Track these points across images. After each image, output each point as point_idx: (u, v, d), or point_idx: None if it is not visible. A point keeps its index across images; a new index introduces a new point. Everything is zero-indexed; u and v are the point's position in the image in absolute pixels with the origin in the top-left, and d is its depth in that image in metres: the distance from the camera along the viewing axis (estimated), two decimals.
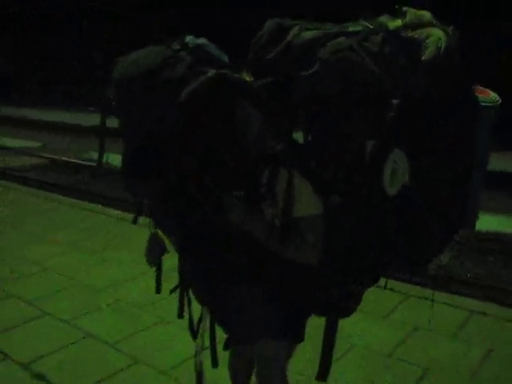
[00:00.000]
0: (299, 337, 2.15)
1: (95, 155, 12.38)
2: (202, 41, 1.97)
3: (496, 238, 6.92)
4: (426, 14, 1.96)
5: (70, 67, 22.96)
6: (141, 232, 6.07)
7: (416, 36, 1.86)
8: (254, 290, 2.03)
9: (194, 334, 2.35)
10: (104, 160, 12.34)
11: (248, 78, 1.92)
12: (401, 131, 1.83)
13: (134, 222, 2.33)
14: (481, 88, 2.05)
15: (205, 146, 1.84)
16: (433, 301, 3.55)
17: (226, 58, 2.00)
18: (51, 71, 23.28)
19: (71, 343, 3.52)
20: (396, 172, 1.84)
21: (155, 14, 19.87)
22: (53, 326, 3.76)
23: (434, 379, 3.07)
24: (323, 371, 2.07)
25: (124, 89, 1.91)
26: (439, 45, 1.83)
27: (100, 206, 7.13)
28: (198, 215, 1.95)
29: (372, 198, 1.85)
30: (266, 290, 2.02)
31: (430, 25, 1.91)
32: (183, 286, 2.26)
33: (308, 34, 1.89)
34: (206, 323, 2.29)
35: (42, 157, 12.25)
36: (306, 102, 1.87)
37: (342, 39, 1.85)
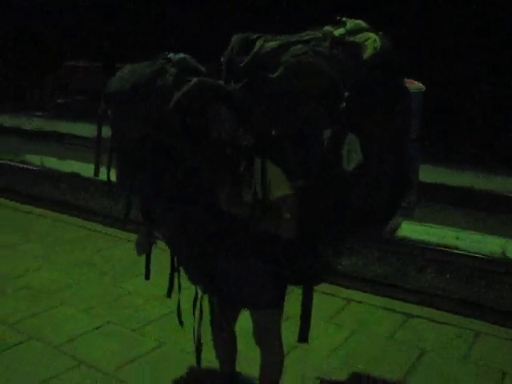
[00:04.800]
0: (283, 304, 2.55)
1: (32, 158, 12.54)
2: (182, 55, 2.40)
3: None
4: (362, 23, 2.44)
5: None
6: (63, 230, 6.18)
7: (357, 40, 2.35)
8: (252, 263, 2.41)
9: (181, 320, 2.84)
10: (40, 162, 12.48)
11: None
12: (352, 119, 2.28)
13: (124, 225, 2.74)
14: (409, 80, 2.63)
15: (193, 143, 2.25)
16: None
17: (202, 68, 2.43)
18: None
19: None
20: (351, 152, 2.29)
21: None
22: None
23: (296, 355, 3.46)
24: (304, 334, 2.53)
25: (127, 96, 2.33)
26: (375, 45, 2.32)
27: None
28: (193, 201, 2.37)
29: (334, 175, 2.30)
30: (263, 264, 2.40)
31: (366, 30, 2.40)
32: (174, 268, 2.72)
33: (272, 44, 2.33)
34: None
35: None
36: (275, 101, 2.29)
37: (299, 46, 2.29)
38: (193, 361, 2.91)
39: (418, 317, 4.06)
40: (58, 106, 21.79)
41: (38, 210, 6.94)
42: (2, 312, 3.94)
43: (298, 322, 2.55)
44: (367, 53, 2.31)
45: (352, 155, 2.30)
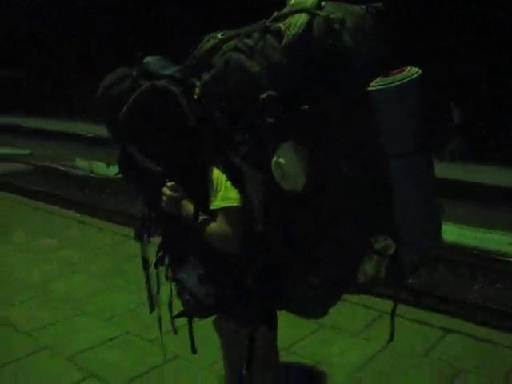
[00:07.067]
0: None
1: (81, 163, 12.64)
2: (147, 59, 2.20)
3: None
4: (309, 1, 1.86)
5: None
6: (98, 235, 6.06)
7: (282, 26, 1.85)
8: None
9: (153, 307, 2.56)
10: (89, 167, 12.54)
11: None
12: (290, 123, 1.86)
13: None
14: (399, 69, 1.79)
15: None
16: None
17: (171, 70, 2.14)
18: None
19: None
20: (282, 166, 1.86)
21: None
22: None
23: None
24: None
25: (97, 103, 2.23)
26: (288, 32, 1.80)
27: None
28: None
29: (271, 190, 1.94)
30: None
31: (298, 11, 1.83)
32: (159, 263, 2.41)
33: (207, 44, 2.07)
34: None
35: (28, 164, 12.51)
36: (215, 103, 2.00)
37: (230, 42, 1.96)
38: (208, 376, 2.72)
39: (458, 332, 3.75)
40: None
41: (78, 216, 6.98)
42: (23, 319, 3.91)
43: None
44: (283, 42, 1.81)
45: (284, 169, 1.86)
